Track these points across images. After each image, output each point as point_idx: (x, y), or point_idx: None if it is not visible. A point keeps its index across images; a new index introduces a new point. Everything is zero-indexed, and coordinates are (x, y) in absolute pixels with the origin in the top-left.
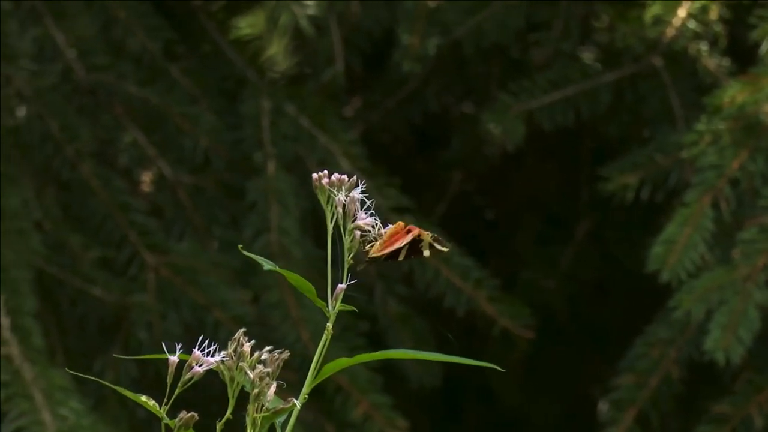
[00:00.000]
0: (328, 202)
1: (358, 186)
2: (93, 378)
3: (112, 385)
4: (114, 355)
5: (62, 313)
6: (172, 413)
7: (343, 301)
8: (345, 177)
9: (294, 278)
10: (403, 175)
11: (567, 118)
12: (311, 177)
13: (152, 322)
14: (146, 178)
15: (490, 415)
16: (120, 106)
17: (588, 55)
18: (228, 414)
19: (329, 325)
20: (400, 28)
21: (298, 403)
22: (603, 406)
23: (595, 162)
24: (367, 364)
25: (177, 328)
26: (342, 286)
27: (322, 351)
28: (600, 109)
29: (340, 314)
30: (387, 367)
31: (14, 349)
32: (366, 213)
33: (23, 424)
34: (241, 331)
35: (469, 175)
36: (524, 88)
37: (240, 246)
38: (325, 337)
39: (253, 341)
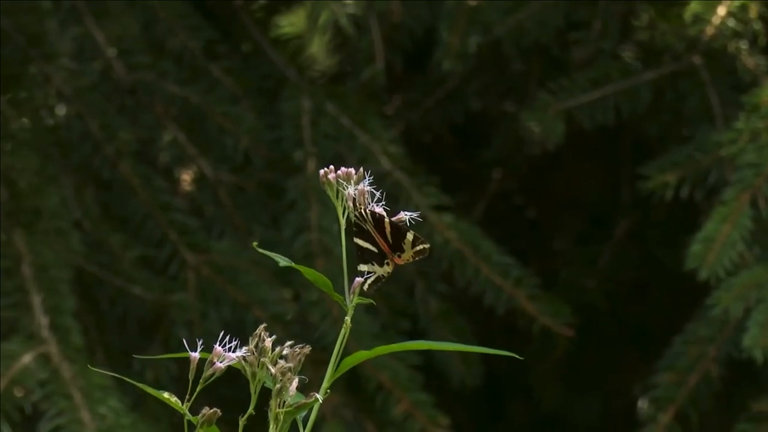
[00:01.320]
0: (337, 196)
1: (365, 179)
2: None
3: (134, 381)
4: (134, 355)
5: (102, 312)
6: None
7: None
8: (352, 170)
9: (310, 273)
10: (443, 173)
11: (607, 117)
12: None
13: (192, 320)
14: (186, 177)
15: (530, 414)
16: (160, 105)
17: (628, 54)
18: (250, 410)
19: (347, 318)
20: (440, 26)
21: (320, 398)
22: (643, 405)
23: (635, 161)
24: (407, 362)
25: (217, 327)
26: (359, 279)
27: (341, 344)
28: (640, 108)
29: (381, 313)
30: (428, 366)
31: (53, 348)
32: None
33: (62, 423)
34: (261, 326)
35: (509, 174)
36: (564, 87)
37: (255, 243)
38: (344, 331)
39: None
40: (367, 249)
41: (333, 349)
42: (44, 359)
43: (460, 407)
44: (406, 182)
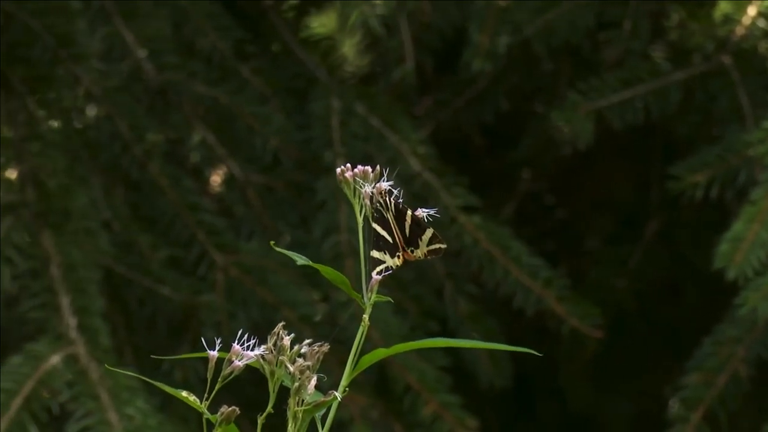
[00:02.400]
0: (354, 195)
1: (383, 176)
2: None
3: (150, 380)
4: (153, 356)
5: (131, 313)
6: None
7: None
8: (369, 168)
9: (328, 271)
10: (473, 174)
11: (637, 117)
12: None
13: (221, 321)
14: (216, 177)
15: (560, 414)
16: (190, 105)
17: (658, 54)
18: (269, 408)
19: (365, 316)
20: (470, 27)
21: (338, 396)
22: (672, 405)
23: (664, 161)
24: (436, 363)
25: (245, 328)
26: (377, 277)
27: (359, 342)
28: (670, 108)
29: (410, 314)
30: (457, 367)
31: (81, 349)
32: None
33: (89, 424)
34: (280, 325)
35: (539, 174)
36: (594, 87)
37: (272, 242)
38: (362, 329)
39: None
40: (383, 237)
41: (363, 349)
42: (72, 360)
43: (489, 409)
44: (435, 183)
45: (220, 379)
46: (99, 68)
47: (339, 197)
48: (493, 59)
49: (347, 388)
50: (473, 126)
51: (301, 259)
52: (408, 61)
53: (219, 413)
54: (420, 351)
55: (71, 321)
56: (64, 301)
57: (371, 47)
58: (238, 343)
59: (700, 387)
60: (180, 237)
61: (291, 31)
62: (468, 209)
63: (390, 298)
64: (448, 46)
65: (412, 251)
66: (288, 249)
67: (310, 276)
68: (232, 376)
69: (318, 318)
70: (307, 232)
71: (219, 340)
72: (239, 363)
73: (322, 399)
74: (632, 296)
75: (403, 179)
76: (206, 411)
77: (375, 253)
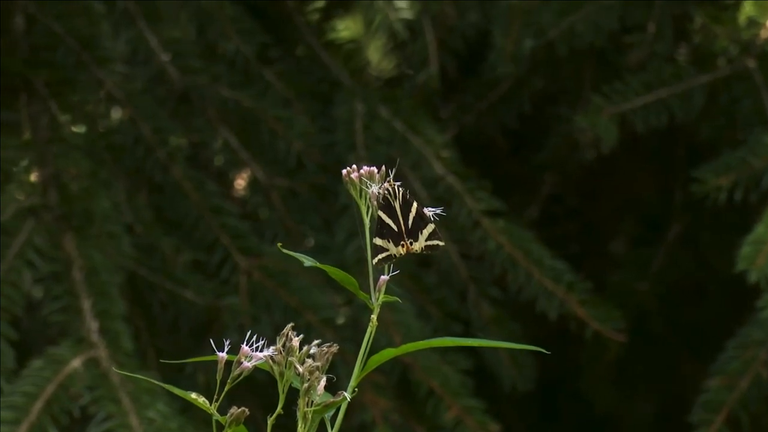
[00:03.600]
0: (361, 196)
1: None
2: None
3: (159, 383)
4: (162, 360)
5: (154, 316)
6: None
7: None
8: (374, 169)
9: (336, 273)
10: (496, 176)
11: (660, 121)
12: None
13: (244, 325)
14: (239, 181)
15: (583, 418)
16: (213, 109)
17: (682, 57)
18: (279, 409)
19: (374, 317)
20: (494, 29)
21: (348, 396)
22: (696, 408)
23: (688, 164)
24: (458, 367)
25: (268, 331)
26: (385, 277)
27: (368, 342)
28: (693, 111)
29: (433, 317)
30: (480, 370)
31: (102, 352)
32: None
33: (110, 427)
34: (289, 326)
35: (563, 178)
36: (617, 90)
37: (279, 244)
38: (371, 329)
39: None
40: (387, 225)
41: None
42: (93, 363)
43: (511, 412)
44: (458, 186)
45: (229, 381)
46: (122, 71)
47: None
48: (517, 62)
49: (356, 389)
50: (497, 129)
51: (308, 261)
52: (432, 64)
53: (228, 414)
54: (442, 355)
55: (93, 324)
56: (86, 305)
57: (395, 50)
58: (247, 345)
59: (723, 390)
60: (203, 240)
61: (315, 35)
62: (491, 213)
63: (398, 298)
64: (472, 49)
65: (411, 243)
66: (311, 253)
67: (333, 279)
68: (241, 377)
69: (341, 321)
70: (330, 235)
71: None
72: (248, 364)
73: (332, 400)
74: (655, 299)
75: (426, 183)
76: (216, 413)
77: (378, 240)
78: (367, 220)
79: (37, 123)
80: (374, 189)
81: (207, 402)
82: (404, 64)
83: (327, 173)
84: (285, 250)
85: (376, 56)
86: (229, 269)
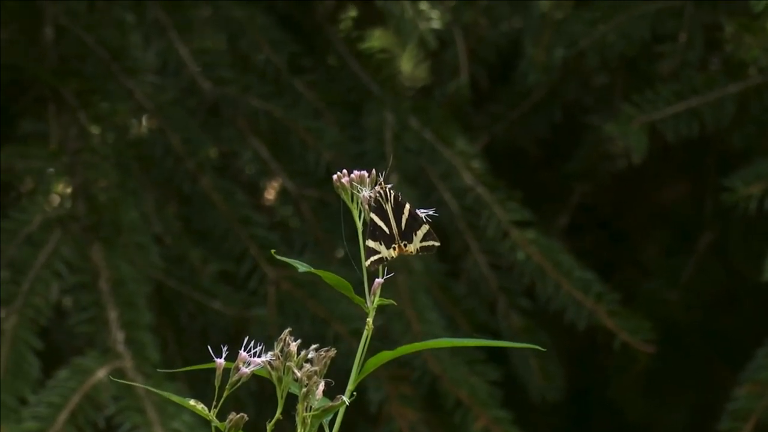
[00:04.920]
0: (352, 200)
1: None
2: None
3: (156, 390)
4: (160, 370)
5: (182, 327)
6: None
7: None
8: (365, 173)
9: (330, 277)
10: (526, 186)
11: (691, 130)
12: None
13: (272, 336)
14: (272, 191)
15: (613, 427)
16: (244, 119)
17: (713, 67)
18: (278, 414)
19: (369, 320)
20: (525, 39)
21: (346, 400)
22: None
23: (719, 173)
24: (486, 378)
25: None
26: (379, 280)
27: (364, 347)
28: (724, 120)
29: (462, 328)
30: (508, 381)
31: (128, 363)
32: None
33: None
34: (287, 331)
35: (594, 187)
36: (647, 99)
37: (273, 251)
38: (367, 333)
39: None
40: (379, 227)
41: (413, 364)
42: (119, 374)
43: (541, 422)
44: (488, 197)
45: (228, 387)
46: (152, 82)
47: None
48: (548, 72)
49: (354, 393)
50: (528, 138)
51: (302, 267)
52: (463, 74)
53: (228, 420)
54: (470, 365)
55: (119, 335)
56: (112, 315)
57: (427, 60)
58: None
59: (752, 398)
60: (232, 251)
61: (345, 45)
62: (521, 224)
63: (393, 301)
64: (503, 58)
65: (405, 245)
66: (341, 263)
67: (361, 289)
68: (240, 383)
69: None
70: (359, 246)
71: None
72: (246, 370)
73: (330, 404)
74: (685, 308)
75: (456, 193)
76: (214, 419)
77: (370, 243)
78: (359, 224)
79: (66, 133)
80: (365, 193)
81: (206, 408)
82: (435, 73)
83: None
84: (279, 257)
85: (408, 66)
86: (258, 280)
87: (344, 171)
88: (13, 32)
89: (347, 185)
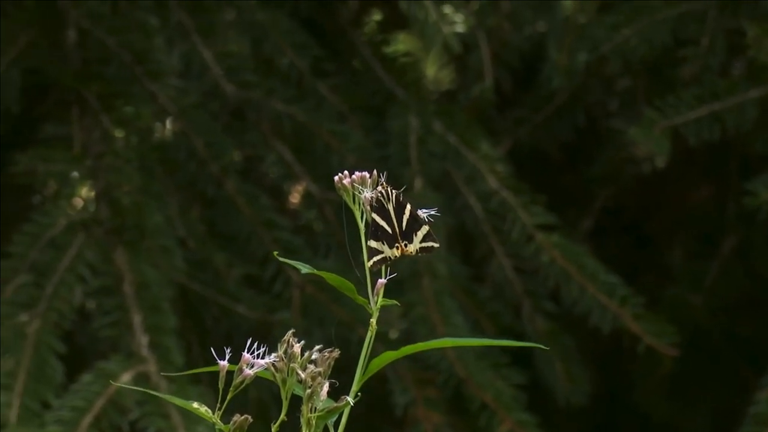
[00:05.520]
0: (354, 201)
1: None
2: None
3: (155, 393)
4: (162, 373)
5: (206, 331)
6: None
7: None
8: (366, 174)
9: (331, 278)
10: (550, 189)
11: (713, 134)
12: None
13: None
14: (296, 194)
15: (637, 431)
16: (267, 123)
17: (735, 71)
18: (282, 416)
19: (373, 320)
20: (549, 43)
21: (351, 401)
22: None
23: (741, 177)
24: (511, 381)
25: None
26: (382, 281)
27: (368, 347)
28: (746, 125)
29: (487, 332)
30: (533, 385)
31: (152, 367)
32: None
33: None
34: (290, 332)
35: (617, 191)
36: (669, 104)
37: (276, 253)
38: (370, 333)
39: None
40: (381, 227)
41: (439, 367)
42: (143, 378)
43: (566, 426)
44: (512, 201)
45: (232, 389)
46: (176, 85)
47: None
48: (571, 76)
49: (359, 393)
50: (551, 142)
51: (305, 268)
52: (487, 78)
53: (231, 422)
54: (496, 369)
55: (143, 339)
56: (136, 319)
57: (451, 64)
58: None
59: None
60: (256, 254)
61: (369, 48)
62: (545, 227)
63: (397, 302)
64: (527, 62)
65: (406, 245)
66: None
67: (387, 292)
68: (243, 385)
69: (394, 336)
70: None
71: None
72: (250, 372)
73: (335, 405)
74: (708, 312)
75: (480, 197)
76: (219, 421)
77: (372, 243)
78: (362, 225)
79: (89, 137)
80: (367, 194)
81: (209, 411)
82: (460, 77)
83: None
84: (281, 258)
85: (433, 70)
86: (282, 283)
87: (345, 172)
88: (36, 35)
89: (348, 186)
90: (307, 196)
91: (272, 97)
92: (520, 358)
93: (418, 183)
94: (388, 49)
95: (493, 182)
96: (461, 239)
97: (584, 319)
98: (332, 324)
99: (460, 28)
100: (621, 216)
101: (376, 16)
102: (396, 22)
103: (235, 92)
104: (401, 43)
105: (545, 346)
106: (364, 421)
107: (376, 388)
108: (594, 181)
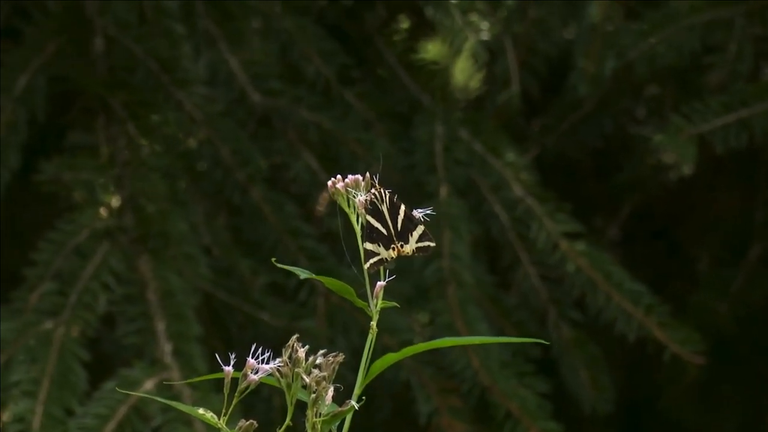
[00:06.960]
0: (349, 205)
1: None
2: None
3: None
4: (168, 382)
5: (231, 338)
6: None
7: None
8: (359, 177)
9: (332, 283)
10: (577, 196)
11: (740, 141)
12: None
13: (321, 347)
14: (323, 202)
15: None
16: (293, 131)
17: (762, 78)
18: (288, 421)
19: (373, 323)
20: (576, 51)
21: (355, 404)
22: None
23: None
24: (536, 389)
25: (345, 354)
26: (381, 283)
27: (369, 350)
28: None
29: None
30: (558, 393)
31: (175, 375)
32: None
33: None
34: (294, 337)
35: (644, 198)
36: (696, 111)
37: (273, 259)
38: (371, 336)
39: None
40: (376, 229)
41: (463, 376)
42: (166, 385)
43: None
44: (537, 209)
45: (237, 394)
46: (202, 93)
47: (442, 223)
48: (598, 83)
49: (363, 397)
50: (579, 149)
51: (303, 274)
52: (513, 85)
53: (237, 428)
54: (520, 378)
55: (167, 346)
56: (160, 327)
57: (478, 72)
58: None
59: None
60: (281, 262)
61: (396, 56)
62: (571, 235)
63: (396, 303)
64: (554, 69)
65: (402, 246)
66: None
67: (413, 301)
68: (248, 390)
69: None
70: (408, 259)
71: None
72: (255, 377)
73: (339, 409)
74: (734, 320)
75: (506, 205)
76: (224, 426)
77: (368, 245)
78: (357, 228)
79: (115, 145)
80: (361, 197)
81: (215, 417)
82: (486, 85)
83: (406, 195)
84: (280, 265)
85: (460, 77)
86: (307, 291)
87: (338, 176)
88: (63, 43)
89: (342, 190)
90: (332, 204)
91: (299, 105)
92: (545, 366)
93: (443, 191)
94: (415, 57)
95: (518, 190)
96: (487, 247)
97: (610, 327)
98: (357, 332)
99: (486, 36)
100: (648, 223)
101: (404, 23)
102: (423, 29)
103: (261, 100)
104: (428, 51)
105: (571, 354)
106: (388, 429)
107: (401, 395)
108: (621, 189)
